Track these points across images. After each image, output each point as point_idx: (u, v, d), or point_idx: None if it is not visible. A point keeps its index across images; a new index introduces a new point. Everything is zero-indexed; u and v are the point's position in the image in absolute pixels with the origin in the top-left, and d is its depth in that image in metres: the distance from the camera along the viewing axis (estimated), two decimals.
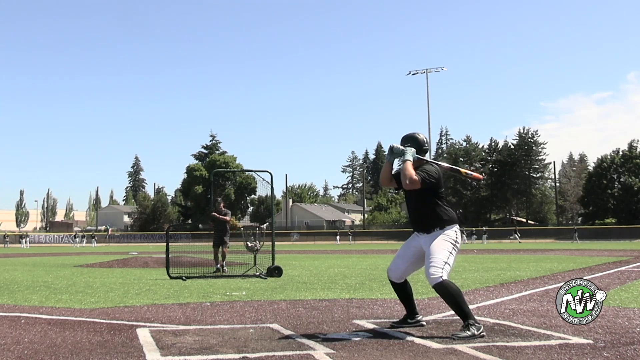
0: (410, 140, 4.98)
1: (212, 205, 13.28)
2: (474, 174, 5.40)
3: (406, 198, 5.05)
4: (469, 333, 4.47)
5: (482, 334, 4.53)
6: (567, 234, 52.69)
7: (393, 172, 5.05)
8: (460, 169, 5.27)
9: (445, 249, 4.71)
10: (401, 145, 4.95)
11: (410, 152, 4.82)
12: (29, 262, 19.96)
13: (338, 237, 57.33)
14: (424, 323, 5.14)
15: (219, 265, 12.37)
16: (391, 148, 4.93)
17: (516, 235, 50.72)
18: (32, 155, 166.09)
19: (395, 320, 5.31)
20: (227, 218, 12.64)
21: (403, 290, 5.10)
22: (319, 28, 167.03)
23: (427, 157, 5.01)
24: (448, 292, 4.59)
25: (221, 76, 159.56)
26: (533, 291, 8.33)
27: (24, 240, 52.00)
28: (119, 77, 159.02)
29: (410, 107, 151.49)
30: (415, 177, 4.69)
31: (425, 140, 5.03)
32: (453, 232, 4.81)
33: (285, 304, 6.91)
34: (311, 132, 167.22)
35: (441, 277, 4.56)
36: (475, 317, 4.69)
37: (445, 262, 4.64)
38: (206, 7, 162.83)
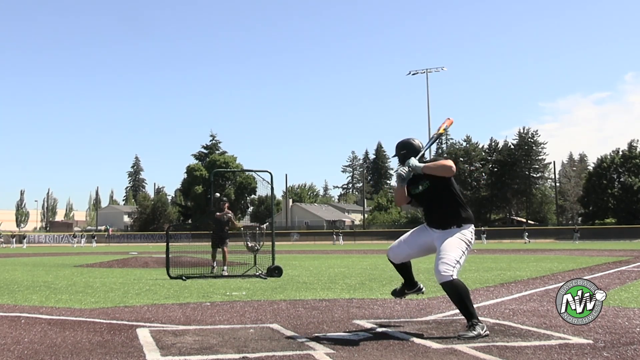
0: (407, 146, 4.92)
1: (214, 204, 13.21)
2: (444, 125, 5.13)
3: (419, 198, 4.92)
4: (475, 333, 4.46)
5: (486, 332, 4.54)
6: (567, 234, 52.58)
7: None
8: (440, 131, 5.12)
9: (459, 247, 4.65)
10: (397, 152, 4.94)
11: (416, 161, 4.72)
12: (29, 262, 19.96)
13: (341, 237, 56.51)
14: (424, 290, 5.32)
15: (219, 267, 12.18)
16: (400, 175, 4.77)
17: (525, 235, 50.18)
18: (32, 155, 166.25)
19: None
20: (233, 221, 12.45)
21: (402, 266, 5.15)
22: (319, 28, 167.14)
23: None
24: (456, 291, 4.56)
25: (221, 76, 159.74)
26: (533, 291, 8.33)
27: (14, 239, 52.32)
28: (119, 77, 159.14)
29: (410, 107, 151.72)
30: (448, 163, 4.66)
31: (420, 145, 4.98)
32: (469, 232, 4.76)
33: (285, 304, 6.91)
34: (311, 132, 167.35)
35: (451, 275, 4.52)
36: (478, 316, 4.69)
37: (457, 261, 4.60)
38: (206, 7, 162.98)
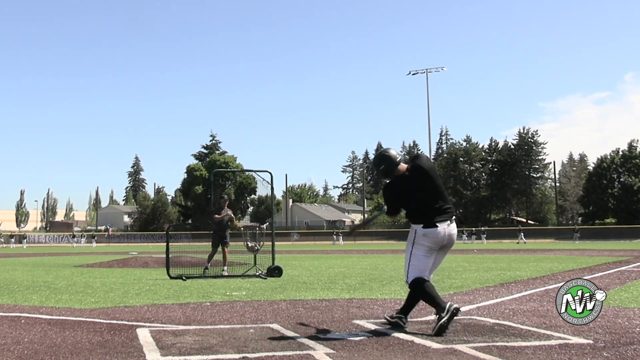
0: (384, 160, 5.08)
1: (215, 204, 13.20)
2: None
3: None
4: (440, 319, 4.66)
5: (452, 309, 4.69)
6: (567, 234, 52.61)
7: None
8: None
9: (407, 251, 5.08)
10: (377, 168, 5.20)
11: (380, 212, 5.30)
12: (29, 262, 19.96)
13: (341, 237, 56.25)
14: (406, 328, 5.03)
15: (220, 268, 12.13)
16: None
17: (521, 235, 50.27)
18: (32, 155, 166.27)
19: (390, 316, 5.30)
20: (234, 219, 12.41)
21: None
22: (319, 28, 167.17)
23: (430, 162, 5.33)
24: (416, 291, 4.97)
25: (221, 76, 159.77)
26: (533, 291, 8.33)
27: (12, 239, 52.38)
28: (119, 77, 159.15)
29: (410, 107, 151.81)
30: (391, 214, 5.19)
31: (396, 155, 5.10)
32: (412, 232, 5.05)
33: (285, 304, 6.91)
34: (311, 132, 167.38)
35: (407, 281, 5.02)
36: (445, 304, 4.79)
37: (408, 265, 5.02)
38: (206, 7, 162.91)
